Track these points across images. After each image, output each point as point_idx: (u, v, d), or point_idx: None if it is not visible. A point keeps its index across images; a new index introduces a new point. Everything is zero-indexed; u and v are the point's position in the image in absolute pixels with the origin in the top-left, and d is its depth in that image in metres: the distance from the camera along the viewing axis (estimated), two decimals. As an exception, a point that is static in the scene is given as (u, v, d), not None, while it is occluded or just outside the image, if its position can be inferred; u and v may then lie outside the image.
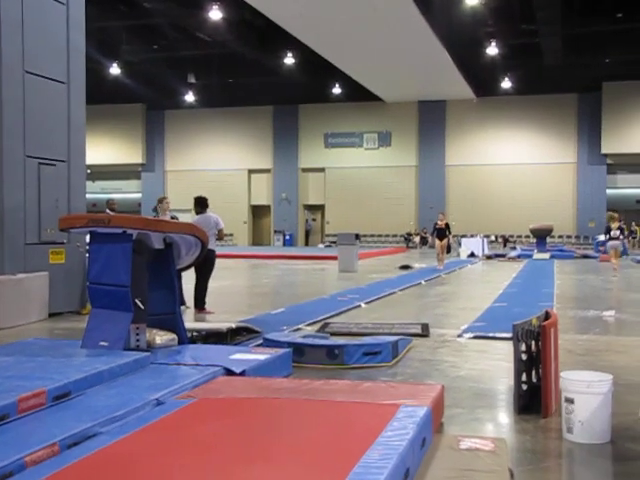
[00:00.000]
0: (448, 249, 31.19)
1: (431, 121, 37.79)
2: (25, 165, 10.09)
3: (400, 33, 24.80)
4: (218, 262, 11.58)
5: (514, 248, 33.03)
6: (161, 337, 6.62)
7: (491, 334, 8.41)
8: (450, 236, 20.75)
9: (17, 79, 9.97)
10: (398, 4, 21.64)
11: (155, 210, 12.71)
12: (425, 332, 8.65)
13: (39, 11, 10.36)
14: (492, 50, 28.57)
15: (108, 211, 14.04)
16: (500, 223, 36.76)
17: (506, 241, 35.70)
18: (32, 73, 10.20)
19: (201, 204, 11.26)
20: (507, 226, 36.64)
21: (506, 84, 34.04)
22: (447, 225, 20.27)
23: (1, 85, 9.75)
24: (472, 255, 27.59)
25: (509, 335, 6.39)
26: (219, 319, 10.04)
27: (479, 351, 7.62)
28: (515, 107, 36.50)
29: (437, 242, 20.23)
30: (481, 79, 33.95)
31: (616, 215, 17.89)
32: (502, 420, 5.12)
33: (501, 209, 37.02)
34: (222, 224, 11.10)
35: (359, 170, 39.09)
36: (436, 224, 20.42)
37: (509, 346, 6.68)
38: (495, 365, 6.91)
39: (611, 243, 17.86)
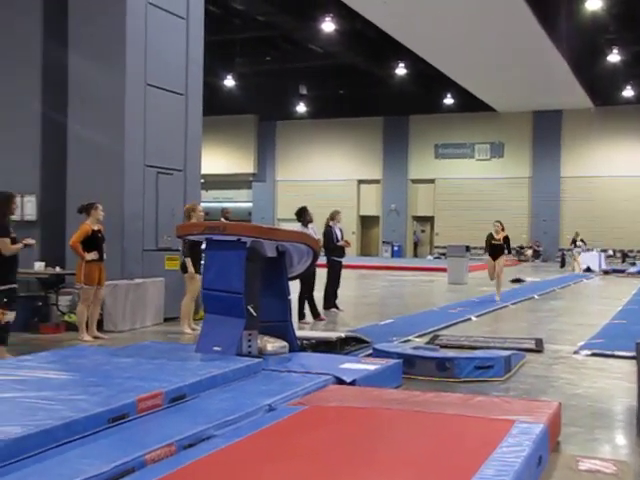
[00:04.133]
0: (562, 263, 30.24)
1: (546, 131, 36.68)
2: (144, 174, 10.50)
3: (515, 41, 24.23)
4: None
5: (634, 264, 31.58)
6: (272, 344, 6.71)
7: (610, 352, 8.05)
8: (505, 255, 14.29)
9: (139, 92, 10.40)
10: (513, 11, 21.17)
11: None
12: (539, 347, 8.40)
13: (161, 26, 10.77)
14: (613, 57, 27.38)
15: (223, 220, 14.40)
16: (619, 237, 35.17)
17: (625, 256, 34.18)
18: (153, 86, 10.62)
19: (297, 216, 11.04)
20: (626, 240, 35.02)
21: (628, 93, 32.61)
22: (506, 239, 14.06)
23: (124, 98, 10.20)
24: (588, 270, 26.62)
25: (630, 354, 6.13)
26: (328, 328, 10.09)
27: (597, 369, 7.31)
28: (637, 117, 34.94)
29: (490, 262, 14.20)
30: (600, 88, 32.66)
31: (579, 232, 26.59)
32: (623, 442, 4.89)
33: (620, 222, 35.42)
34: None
35: (470, 181, 38.40)
36: (491, 237, 14.12)
37: (630, 365, 6.40)
38: (614, 384, 6.61)
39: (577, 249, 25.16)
